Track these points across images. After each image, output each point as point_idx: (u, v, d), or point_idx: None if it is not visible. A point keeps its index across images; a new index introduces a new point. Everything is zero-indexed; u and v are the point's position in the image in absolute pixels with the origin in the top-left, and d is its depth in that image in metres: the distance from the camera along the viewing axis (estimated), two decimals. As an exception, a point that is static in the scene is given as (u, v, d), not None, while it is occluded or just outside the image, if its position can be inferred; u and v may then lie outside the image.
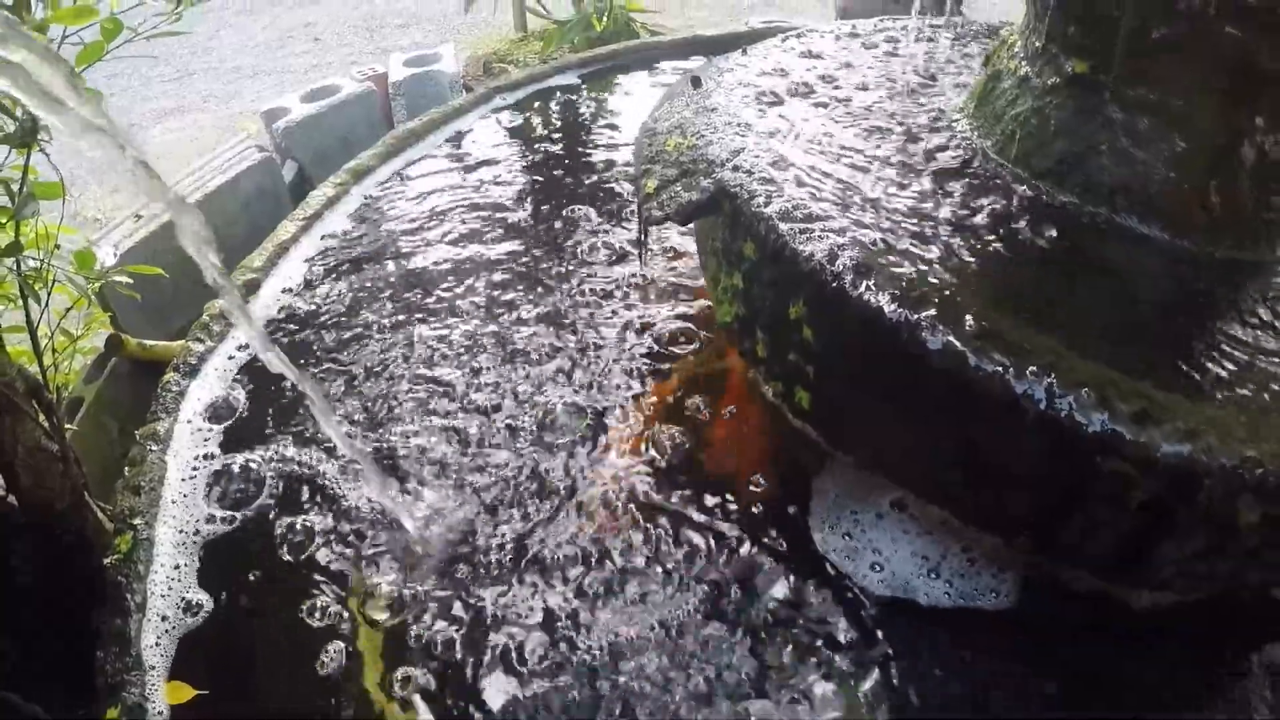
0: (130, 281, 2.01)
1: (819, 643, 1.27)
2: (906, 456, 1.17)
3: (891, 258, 1.13)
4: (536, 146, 2.65)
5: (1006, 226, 1.25)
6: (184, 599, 1.39)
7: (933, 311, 1.03)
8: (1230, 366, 1.08)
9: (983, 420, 1.03)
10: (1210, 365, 1.08)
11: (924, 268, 1.12)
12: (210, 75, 5.73)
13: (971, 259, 1.18)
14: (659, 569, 1.38)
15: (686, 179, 1.32)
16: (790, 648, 1.26)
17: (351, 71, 3.42)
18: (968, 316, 1.03)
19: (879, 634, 1.28)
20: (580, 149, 2.61)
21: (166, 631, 1.35)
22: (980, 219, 1.26)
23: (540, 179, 2.47)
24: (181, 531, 1.49)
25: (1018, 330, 1.02)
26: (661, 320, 1.87)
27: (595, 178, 2.47)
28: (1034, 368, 0.97)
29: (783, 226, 1.16)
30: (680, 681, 1.22)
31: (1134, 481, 0.97)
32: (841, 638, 1.27)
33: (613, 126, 2.75)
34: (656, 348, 1.81)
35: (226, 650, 1.33)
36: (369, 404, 1.73)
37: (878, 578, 1.34)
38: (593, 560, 1.40)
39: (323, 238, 2.15)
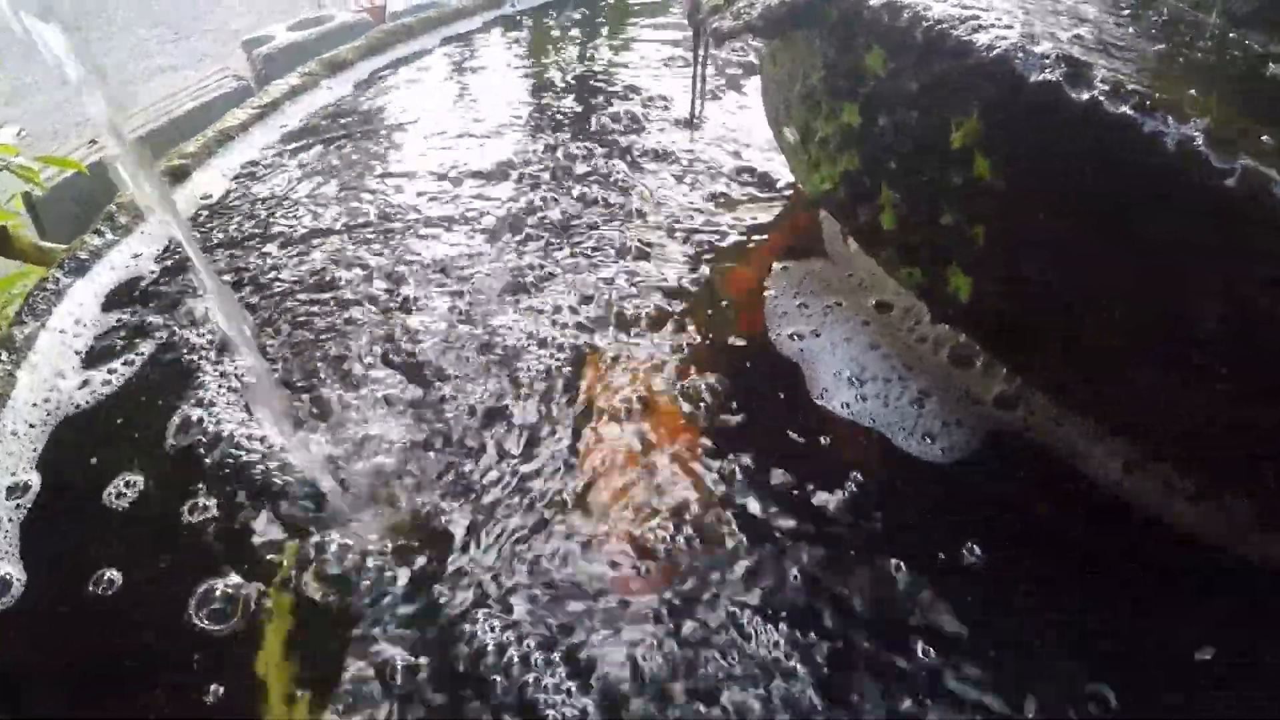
0: (38, 168, 1.66)
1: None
2: (1142, 383, 0.72)
3: (1104, 61, 0.70)
4: (543, 51, 2.22)
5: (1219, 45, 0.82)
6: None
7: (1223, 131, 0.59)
8: None
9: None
10: None
11: (1156, 79, 0.69)
12: (209, 37, 5.40)
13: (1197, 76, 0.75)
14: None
15: (772, -18, 0.90)
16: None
17: (349, 4, 3.04)
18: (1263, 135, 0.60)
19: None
20: (589, 56, 2.18)
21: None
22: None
23: (546, 81, 2.03)
24: (14, 475, 1.04)
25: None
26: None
27: (603, 85, 2.02)
28: None
29: (937, 9, 0.73)
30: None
31: None
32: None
33: (627, 37, 2.33)
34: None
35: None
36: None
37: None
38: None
39: (280, 129, 1.71)
